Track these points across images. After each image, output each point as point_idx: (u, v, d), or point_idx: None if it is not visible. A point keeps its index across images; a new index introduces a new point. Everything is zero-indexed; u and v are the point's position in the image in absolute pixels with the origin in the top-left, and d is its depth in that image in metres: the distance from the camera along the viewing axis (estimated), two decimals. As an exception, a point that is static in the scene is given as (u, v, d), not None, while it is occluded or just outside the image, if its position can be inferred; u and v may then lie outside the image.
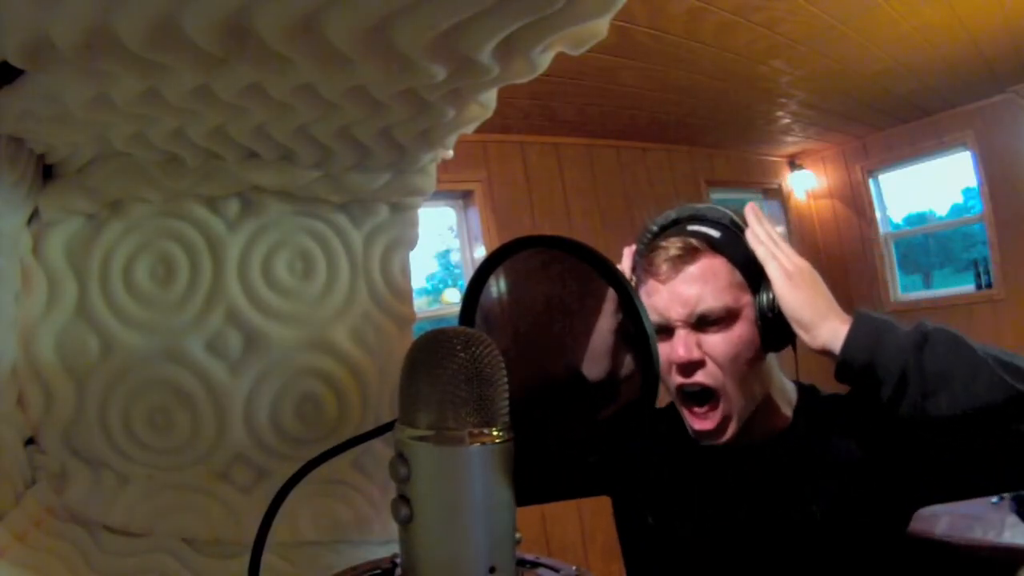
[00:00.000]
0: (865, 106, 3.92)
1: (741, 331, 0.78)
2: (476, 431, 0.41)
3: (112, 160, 0.67)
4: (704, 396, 0.79)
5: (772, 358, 0.85)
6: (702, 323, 0.78)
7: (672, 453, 0.91)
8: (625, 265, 0.89)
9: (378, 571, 0.49)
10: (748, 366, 0.79)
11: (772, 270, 0.76)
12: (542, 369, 0.59)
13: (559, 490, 1.00)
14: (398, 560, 0.47)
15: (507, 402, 0.43)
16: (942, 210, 5.12)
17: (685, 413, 0.82)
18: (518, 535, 0.44)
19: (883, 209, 4.89)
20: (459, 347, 0.41)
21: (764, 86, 3.21)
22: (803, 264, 0.77)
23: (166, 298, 0.72)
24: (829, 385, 0.87)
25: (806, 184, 5.11)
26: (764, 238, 0.78)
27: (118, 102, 0.55)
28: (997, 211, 4.21)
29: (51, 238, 0.69)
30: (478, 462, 0.41)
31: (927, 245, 5.49)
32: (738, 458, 0.84)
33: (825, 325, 0.73)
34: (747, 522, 0.83)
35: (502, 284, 0.59)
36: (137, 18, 0.44)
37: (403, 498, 0.42)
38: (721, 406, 0.78)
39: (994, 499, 1.67)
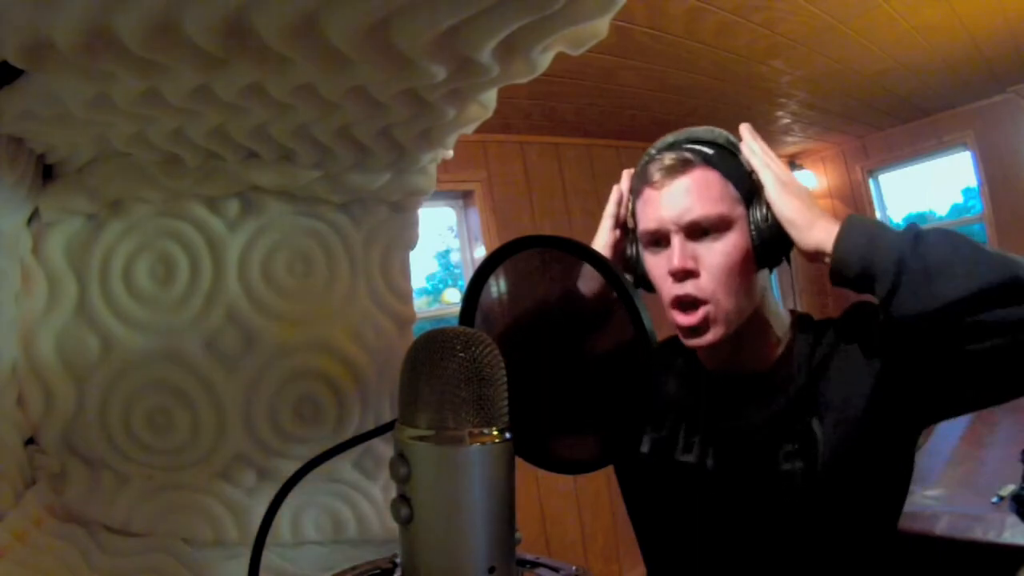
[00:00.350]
0: (865, 106, 3.91)
1: (735, 240, 0.79)
2: (476, 431, 0.41)
3: (112, 160, 0.67)
4: (694, 306, 0.80)
5: (766, 282, 0.86)
6: (697, 231, 0.79)
7: (670, 381, 0.93)
8: (624, 186, 0.91)
9: (378, 571, 0.49)
10: (740, 279, 0.80)
11: (767, 177, 0.79)
12: (542, 369, 0.59)
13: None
14: (398, 560, 0.47)
15: (507, 402, 0.43)
16: (942, 210, 5.11)
17: (674, 315, 0.82)
18: (518, 535, 0.44)
19: (883, 209, 4.89)
20: (459, 347, 0.41)
21: (764, 86, 3.21)
22: (794, 177, 0.81)
23: (166, 298, 0.72)
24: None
25: (806, 184, 5.11)
26: (759, 151, 0.82)
27: (118, 102, 0.55)
28: (997, 211, 4.21)
29: (51, 238, 0.69)
30: (478, 462, 0.41)
31: (927, 245, 5.49)
32: (734, 385, 0.86)
33: (818, 225, 0.76)
34: (746, 471, 0.83)
35: (502, 284, 0.59)
36: (137, 18, 0.44)
37: (403, 498, 0.41)
38: (708, 307, 0.79)
39: (994, 499, 1.67)
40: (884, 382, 0.77)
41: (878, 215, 4.84)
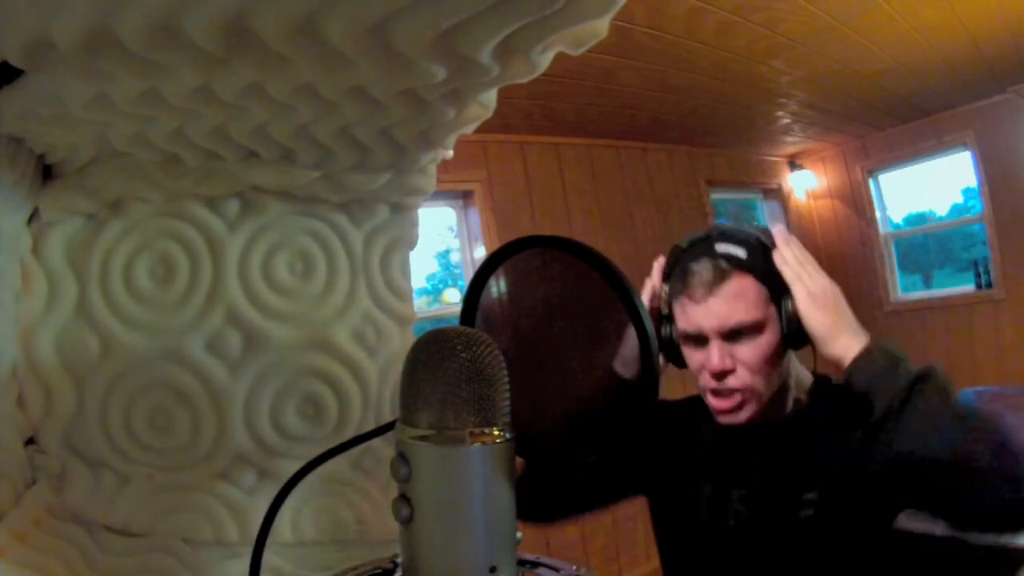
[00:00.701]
0: (865, 106, 3.91)
1: (768, 338, 0.87)
2: (477, 431, 0.41)
3: (112, 160, 0.67)
4: (731, 393, 0.89)
5: (791, 353, 0.94)
6: (733, 334, 0.87)
7: (690, 438, 0.99)
8: (655, 276, 0.97)
9: (378, 571, 0.49)
10: (772, 364, 0.88)
11: (797, 291, 0.86)
12: (542, 369, 0.59)
13: (595, 498, 1.08)
14: (398, 560, 0.47)
15: (508, 402, 0.43)
16: (942, 210, 5.11)
17: (710, 399, 0.91)
18: (518, 535, 0.44)
19: (883, 209, 4.88)
20: (460, 347, 0.41)
21: (764, 86, 3.20)
22: (826, 284, 0.86)
23: (166, 298, 0.72)
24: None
25: (806, 184, 5.11)
26: (791, 260, 0.88)
27: (118, 102, 0.55)
28: (997, 211, 4.21)
29: (51, 238, 0.68)
30: (478, 462, 0.41)
31: (927, 245, 5.49)
32: (752, 435, 0.92)
33: (840, 340, 0.83)
34: (754, 498, 0.91)
35: (502, 284, 0.59)
36: (137, 18, 0.44)
37: (404, 498, 0.41)
38: (745, 393, 0.88)
39: (994, 499, 1.67)
40: (869, 465, 0.83)
41: (878, 215, 4.84)
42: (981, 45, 3.05)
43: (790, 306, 0.87)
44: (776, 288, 0.88)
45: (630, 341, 0.58)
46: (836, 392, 0.94)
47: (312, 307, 0.77)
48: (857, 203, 4.93)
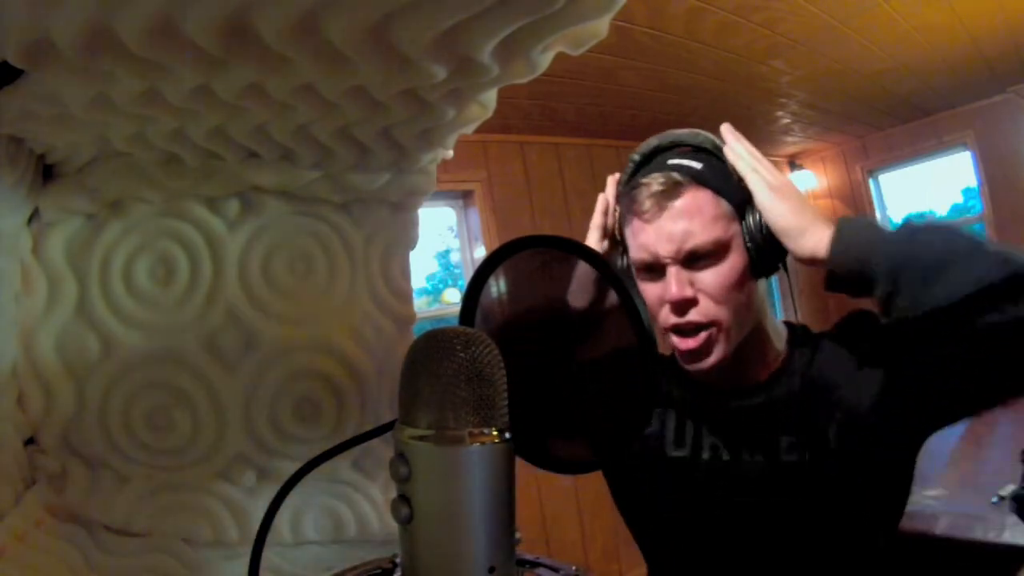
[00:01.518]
0: (865, 106, 3.91)
1: (732, 262, 0.77)
2: (476, 431, 0.41)
3: (112, 160, 0.67)
4: (696, 330, 0.78)
5: (763, 292, 0.84)
6: (692, 259, 0.76)
7: (671, 400, 0.90)
8: (609, 194, 0.88)
9: (378, 571, 0.49)
10: (739, 295, 0.78)
11: (755, 183, 0.76)
12: (542, 369, 0.59)
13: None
14: (398, 560, 0.47)
15: (507, 402, 0.43)
16: (942, 210, 5.11)
17: (673, 339, 0.80)
18: (518, 535, 0.44)
19: (883, 209, 4.89)
20: (459, 347, 0.41)
21: (764, 86, 3.21)
22: (785, 178, 0.77)
23: (166, 298, 0.72)
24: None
25: (806, 184, 5.11)
26: (744, 154, 0.78)
27: (118, 102, 0.55)
28: (997, 211, 4.21)
29: (51, 238, 0.69)
30: (478, 462, 0.41)
31: (927, 245, 5.48)
32: (734, 394, 0.84)
33: (811, 231, 0.73)
34: (745, 463, 0.82)
35: (502, 284, 0.59)
36: (137, 18, 0.44)
37: (403, 498, 0.41)
38: (710, 330, 0.77)
39: (994, 499, 1.67)
40: (888, 391, 0.75)
41: (878, 215, 4.84)
42: (981, 45, 3.05)
43: (753, 219, 0.77)
44: (737, 201, 0.78)
45: (600, 338, 0.57)
46: (819, 339, 0.85)
47: (312, 307, 0.77)
48: (857, 203, 4.93)
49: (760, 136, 4.37)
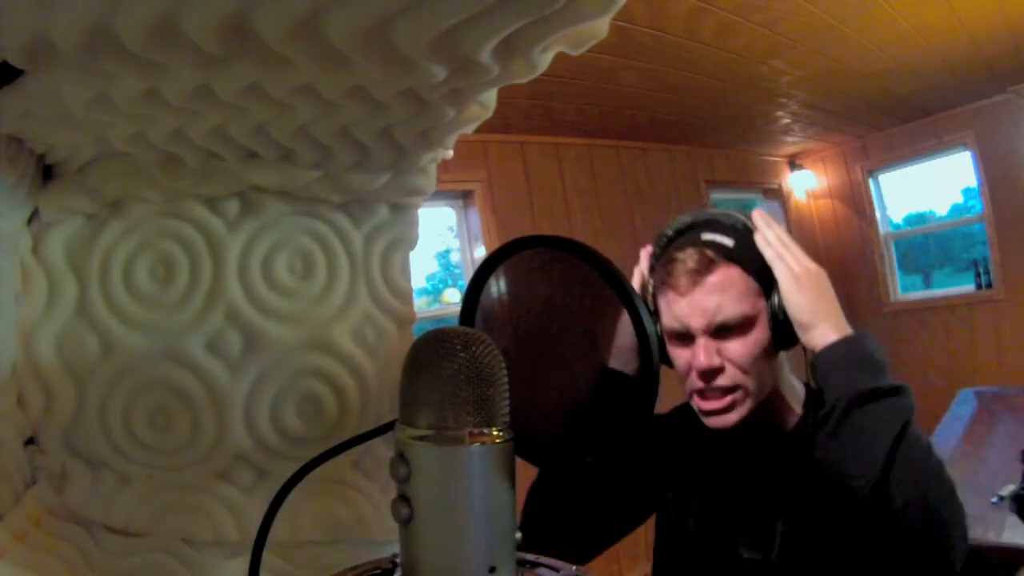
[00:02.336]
0: (865, 106, 3.91)
1: (758, 335, 0.82)
2: (476, 431, 0.41)
3: (112, 160, 0.67)
4: (722, 393, 0.83)
5: (783, 356, 0.88)
6: (721, 331, 0.81)
7: (687, 450, 0.94)
8: (643, 266, 0.92)
9: (378, 571, 0.49)
10: (763, 363, 0.83)
11: (780, 272, 0.80)
12: (542, 369, 0.59)
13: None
14: (398, 560, 0.47)
15: (507, 402, 0.43)
16: (942, 210, 5.11)
17: (696, 399, 0.85)
18: (518, 535, 0.44)
19: (883, 209, 4.89)
20: (459, 347, 0.41)
21: (764, 86, 3.21)
22: (811, 267, 0.80)
23: (166, 298, 0.72)
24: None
25: (806, 184, 5.11)
26: (773, 241, 0.82)
27: (118, 102, 0.55)
28: (997, 211, 4.21)
29: (51, 238, 0.68)
30: (478, 462, 0.41)
31: (927, 245, 5.49)
32: (748, 453, 0.87)
33: (819, 329, 0.77)
34: (754, 513, 0.85)
35: (502, 284, 0.59)
36: (137, 18, 0.44)
37: (403, 498, 0.41)
38: (735, 393, 0.82)
39: (994, 499, 1.67)
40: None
41: (878, 215, 4.84)
42: (981, 45, 3.05)
43: (777, 300, 0.81)
44: (766, 281, 0.82)
45: (624, 335, 0.58)
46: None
47: (312, 307, 0.77)
48: (857, 203, 4.93)
49: (760, 136, 4.37)
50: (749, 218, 0.86)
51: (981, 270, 4.42)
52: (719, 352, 0.81)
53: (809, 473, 0.80)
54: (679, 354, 0.84)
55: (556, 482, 0.90)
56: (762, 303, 0.82)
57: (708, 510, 0.89)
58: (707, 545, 0.88)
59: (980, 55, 3.18)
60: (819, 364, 0.77)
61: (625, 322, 0.57)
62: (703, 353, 0.80)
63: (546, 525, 0.91)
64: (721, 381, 0.81)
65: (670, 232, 0.88)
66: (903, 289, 4.92)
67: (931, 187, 4.96)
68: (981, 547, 1.51)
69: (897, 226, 4.98)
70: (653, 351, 0.48)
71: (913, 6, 2.49)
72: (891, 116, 4.27)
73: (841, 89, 3.46)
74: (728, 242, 0.83)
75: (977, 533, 1.54)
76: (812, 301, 0.78)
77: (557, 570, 0.48)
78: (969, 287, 4.54)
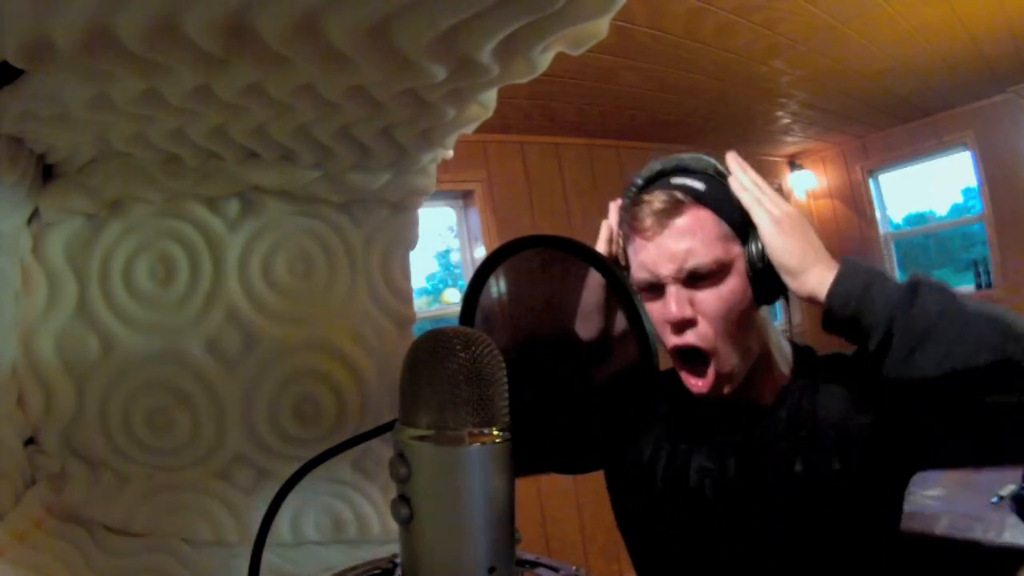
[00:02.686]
0: (865, 106, 3.92)
1: (732, 285, 0.76)
2: (476, 431, 0.41)
3: (112, 160, 0.67)
4: (696, 356, 0.78)
5: (767, 316, 0.83)
6: (693, 278, 0.76)
7: (673, 413, 0.90)
8: (612, 220, 0.87)
9: (378, 571, 0.49)
10: (740, 321, 0.77)
11: (759, 216, 0.75)
12: (542, 369, 0.59)
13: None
14: (398, 560, 0.47)
15: (507, 402, 0.43)
16: (942, 210, 5.11)
17: (681, 372, 0.81)
18: (518, 535, 0.44)
19: (883, 209, 4.89)
20: (459, 347, 0.41)
21: (764, 86, 3.21)
22: (790, 209, 0.75)
23: (166, 298, 0.72)
24: (826, 348, 0.88)
25: (806, 184, 5.11)
26: (749, 185, 0.77)
27: (118, 102, 0.55)
28: (997, 211, 4.21)
29: (51, 238, 0.69)
30: (478, 462, 0.41)
31: (927, 245, 5.49)
32: (739, 417, 0.84)
33: (812, 271, 0.72)
34: (745, 482, 0.82)
35: (502, 284, 0.59)
36: (137, 18, 0.44)
37: (403, 498, 0.42)
38: (714, 365, 0.77)
39: (994, 499, 1.67)
40: (878, 431, 0.76)
41: (878, 215, 4.84)
42: (981, 45, 3.05)
43: (755, 247, 0.76)
44: (740, 227, 0.77)
45: (588, 292, 0.57)
46: (822, 366, 0.85)
47: (312, 307, 0.77)
48: (857, 203, 4.93)
49: (760, 136, 4.37)
50: (722, 162, 0.81)
51: (981, 270, 4.42)
52: (691, 303, 0.76)
53: (805, 442, 0.79)
54: (651, 308, 0.78)
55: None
56: (737, 249, 0.77)
57: (699, 483, 0.85)
58: (694, 516, 0.85)
59: (980, 55, 3.18)
60: (836, 301, 0.69)
61: (591, 284, 0.56)
62: (674, 302, 0.75)
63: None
64: (691, 338, 0.76)
65: (639, 180, 0.83)
66: (903, 289, 4.91)
67: (931, 187, 4.96)
68: (981, 547, 1.51)
69: (897, 226, 4.98)
70: (653, 351, 0.48)
71: (913, 6, 2.49)
72: (891, 116, 4.27)
73: (841, 89, 3.46)
74: (698, 184, 0.78)
75: (977, 533, 1.54)
76: (798, 243, 0.73)
77: (557, 570, 0.48)
78: (969, 287, 4.54)
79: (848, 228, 4.99)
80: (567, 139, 3.69)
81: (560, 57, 0.58)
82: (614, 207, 0.87)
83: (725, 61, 2.77)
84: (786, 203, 0.76)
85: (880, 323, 0.66)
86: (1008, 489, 1.67)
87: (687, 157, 0.82)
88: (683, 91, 3.13)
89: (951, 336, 0.63)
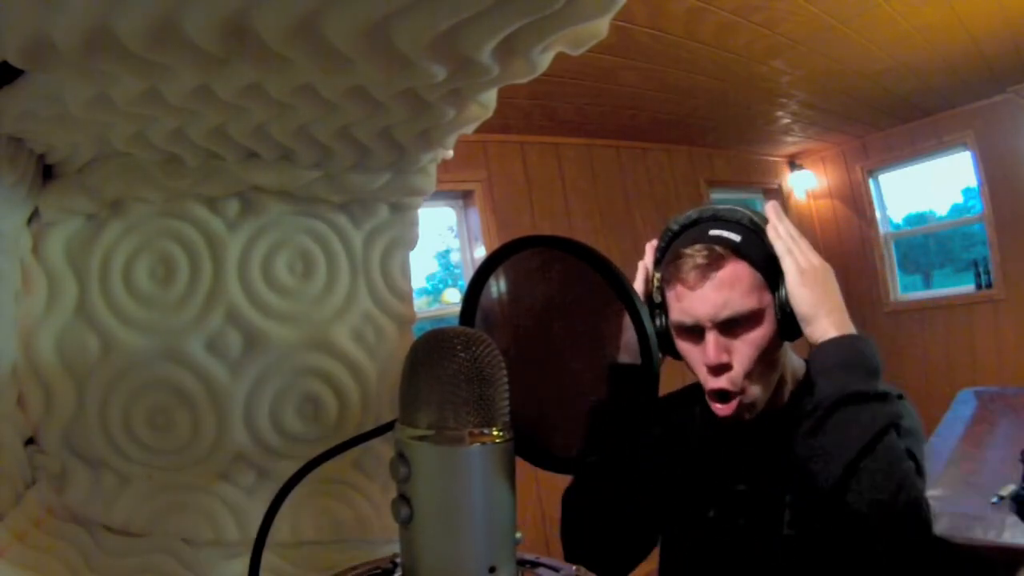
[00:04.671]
0: (865, 106, 3.92)
1: (764, 330, 0.84)
2: (476, 431, 0.41)
3: (112, 160, 0.67)
4: (726, 396, 0.86)
5: (786, 346, 0.91)
6: (730, 325, 0.83)
7: (689, 431, 0.97)
8: (647, 260, 0.94)
9: (378, 571, 0.49)
10: (769, 361, 0.85)
11: (787, 265, 0.82)
12: (542, 369, 0.59)
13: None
14: (398, 560, 0.47)
15: (507, 402, 0.43)
16: (942, 210, 5.11)
17: (711, 402, 0.88)
18: (518, 535, 0.44)
19: (883, 209, 4.89)
20: (459, 347, 0.41)
21: (764, 86, 3.21)
22: (817, 262, 0.83)
23: (166, 298, 0.72)
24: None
25: (806, 184, 5.11)
26: (783, 234, 0.84)
27: (118, 102, 0.55)
28: (997, 211, 4.21)
29: (51, 238, 0.68)
30: (478, 462, 0.41)
31: (927, 245, 5.50)
32: (740, 432, 0.90)
33: (819, 323, 0.80)
34: (745, 496, 0.89)
35: (502, 284, 0.59)
36: (137, 18, 0.44)
37: (403, 498, 0.42)
38: (739, 399, 0.85)
39: (994, 499, 1.67)
40: None
41: (878, 215, 4.84)
42: (981, 45, 3.05)
43: (783, 293, 0.83)
44: (771, 275, 0.84)
45: (631, 330, 0.58)
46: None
47: (312, 307, 0.77)
48: (857, 203, 4.93)
49: (760, 136, 4.37)
50: (755, 213, 0.88)
51: (981, 270, 4.42)
52: (727, 348, 0.83)
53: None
54: (688, 349, 0.87)
55: (587, 484, 0.90)
56: (768, 297, 0.84)
57: (716, 491, 0.92)
58: (716, 524, 0.91)
59: (980, 55, 3.18)
60: (815, 358, 0.79)
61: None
62: (712, 349, 0.83)
63: (584, 529, 0.95)
64: (727, 383, 0.84)
65: (675, 227, 0.90)
66: (903, 289, 4.92)
67: (931, 187, 4.96)
68: (981, 547, 1.51)
69: (897, 226, 4.99)
70: (653, 351, 0.48)
71: (913, 6, 2.49)
72: (891, 116, 4.27)
73: (841, 89, 3.46)
74: (735, 237, 0.85)
75: (977, 533, 1.54)
76: (815, 295, 0.80)
77: (557, 570, 0.48)
78: (969, 287, 4.54)
79: (848, 228, 4.99)
80: (567, 139, 3.69)
81: (560, 57, 0.58)
82: (649, 248, 0.95)
83: (725, 61, 2.77)
84: (816, 256, 0.84)
85: (815, 399, 0.77)
86: (1008, 489, 1.67)
87: (723, 209, 0.89)
88: (683, 91, 3.13)
89: (824, 455, 0.74)
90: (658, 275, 0.91)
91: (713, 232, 0.86)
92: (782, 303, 0.83)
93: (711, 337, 0.83)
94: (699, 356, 0.85)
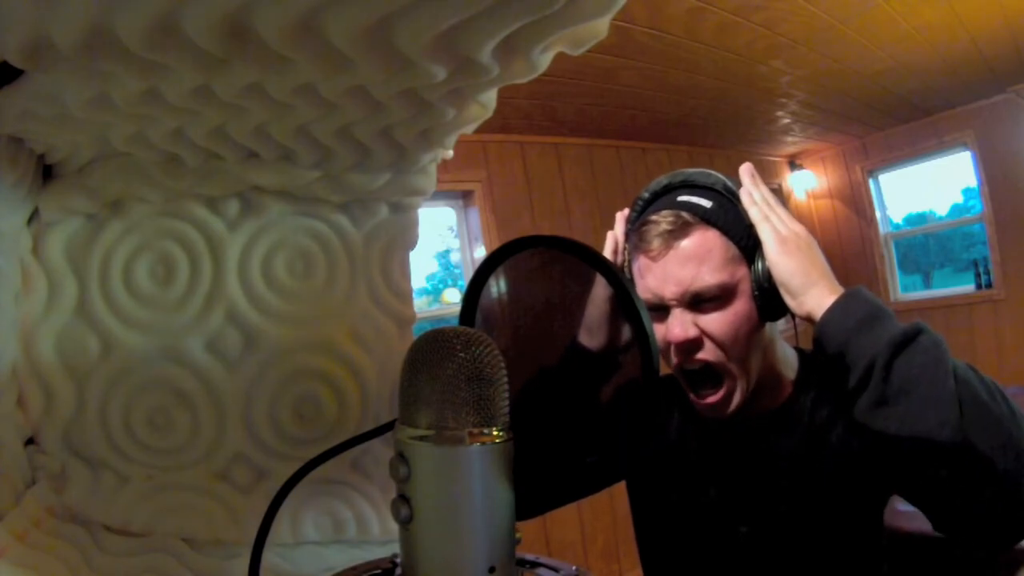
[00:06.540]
0: (865, 106, 3.92)
1: (738, 307, 0.75)
2: (476, 431, 0.41)
3: (112, 160, 0.67)
4: (706, 373, 0.77)
5: (772, 327, 0.82)
6: (697, 301, 0.75)
7: (678, 425, 0.90)
8: (618, 231, 0.86)
9: (378, 571, 0.49)
10: (747, 341, 0.77)
11: (765, 234, 0.73)
12: (542, 369, 0.59)
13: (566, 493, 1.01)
14: (398, 560, 0.47)
15: (507, 402, 0.43)
16: (942, 210, 5.12)
17: (690, 395, 0.81)
18: (518, 535, 0.44)
19: (883, 209, 4.89)
20: (459, 347, 0.41)
21: (764, 86, 3.21)
22: (798, 228, 0.74)
23: (166, 298, 0.72)
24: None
25: (806, 184, 5.11)
26: (759, 200, 0.76)
27: (118, 102, 0.55)
28: (997, 211, 4.21)
29: (51, 238, 0.69)
30: (478, 462, 0.41)
31: (927, 245, 5.50)
32: (741, 430, 0.84)
33: (812, 292, 0.70)
34: (747, 495, 0.83)
35: (502, 284, 0.59)
36: (137, 18, 0.44)
37: (403, 498, 0.42)
38: (725, 383, 0.77)
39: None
40: (861, 449, 0.75)
41: (878, 215, 4.84)
42: (981, 45, 3.05)
43: (761, 266, 0.74)
44: (746, 246, 0.76)
45: (593, 306, 0.57)
46: (824, 370, 0.82)
47: (312, 307, 0.77)
48: (857, 203, 4.93)
49: (760, 136, 4.37)
50: (731, 179, 0.80)
51: (981, 270, 4.42)
52: (695, 324, 0.75)
53: (809, 448, 0.79)
54: (656, 329, 0.75)
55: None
56: (743, 271, 0.76)
57: (704, 489, 0.86)
58: (702, 522, 0.86)
59: (980, 55, 3.18)
60: (826, 329, 0.68)
61: (596, 294, 0.56)
62: (678, 325, 0.74)
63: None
64: (701, 355, 0.75)
65: (646, 195, 0.83)
66: (903, 289, 4.92)
67: (931, 187, 4.97)
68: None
69: (897, 226, 4.99)
70: (654, 352, 0.48)
71: (913, 6, 2.49)
72: (891, 116, 4.27)
73: (841, 89, 3.46)
74: (705, 203, 0.77)
75: (977, 533, 1.54)
76: (801, 264, 0.71)
77: (557, 570, 0.48)
78: (969, 287, 4.54)
79: (848, 228, 4.99)
80: (567, 139, 3.69)
81: (560, 57, 0.58)
82: (620, 218, 0.87)
83: (725, 61, 2.77)
84: (795, 222, 0.75)
85: (859, 366, 0.65)
86: (1008, 489, 1.66)
87: (695, 172, 0.81)
88: (683, 91, 3.13)
89: (920, 402, 0.61)
90: (627, 247, 0.84)
91: (682, 198, 0.78)
92: (760, 278, 0.74)
93: (676, 312, 0.75)
94: (663, 334, 0.76)
